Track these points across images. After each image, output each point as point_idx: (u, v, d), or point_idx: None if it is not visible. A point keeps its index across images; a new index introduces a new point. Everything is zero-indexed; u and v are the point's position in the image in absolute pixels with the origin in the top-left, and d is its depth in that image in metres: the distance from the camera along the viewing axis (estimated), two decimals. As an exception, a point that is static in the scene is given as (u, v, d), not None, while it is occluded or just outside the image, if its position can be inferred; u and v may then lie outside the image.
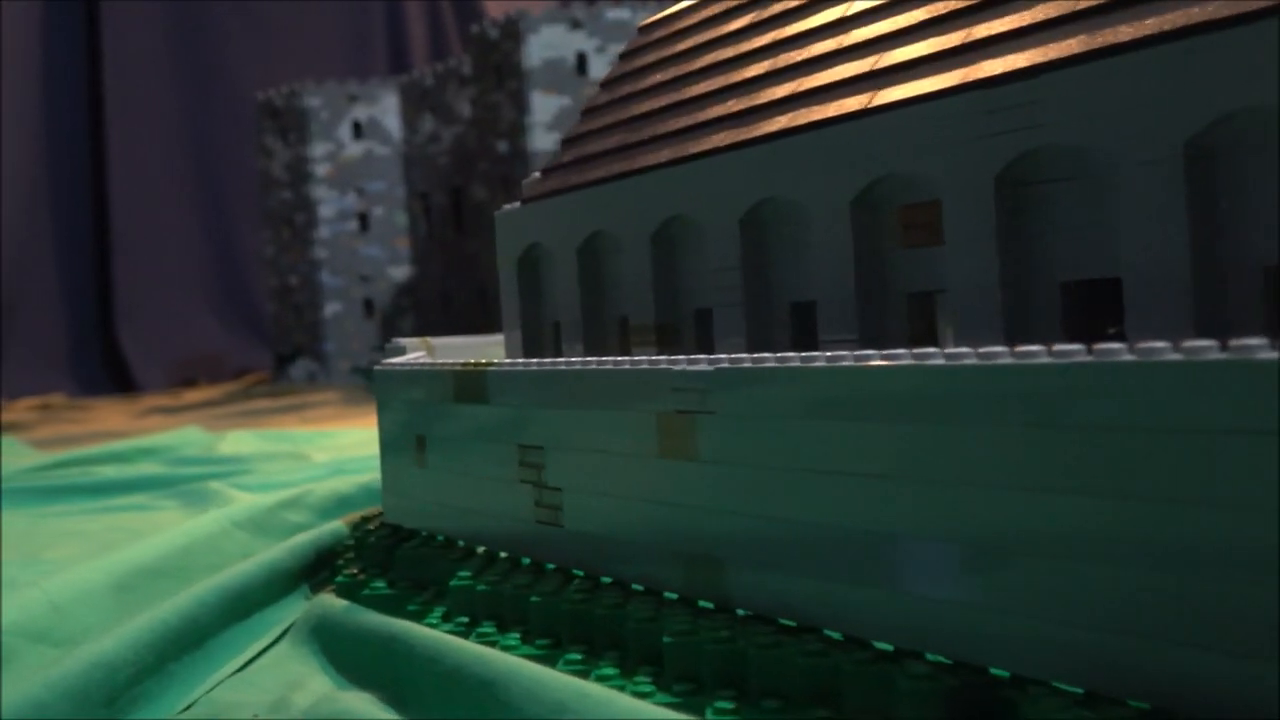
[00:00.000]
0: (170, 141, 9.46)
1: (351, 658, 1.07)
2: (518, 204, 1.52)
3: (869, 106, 0.99)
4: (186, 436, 3.81)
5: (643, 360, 0.99)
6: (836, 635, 0.84)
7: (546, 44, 5.65)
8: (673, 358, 0.95)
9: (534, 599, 1.02)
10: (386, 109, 7.14)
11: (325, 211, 7.15)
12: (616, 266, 1.35)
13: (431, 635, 0.98)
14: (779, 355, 0.85)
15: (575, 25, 5.64)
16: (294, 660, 1.15)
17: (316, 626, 1.18)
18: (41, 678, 0.87)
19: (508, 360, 1.17)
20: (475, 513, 1.23)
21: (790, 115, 1.09)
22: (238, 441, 3.49)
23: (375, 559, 1.35)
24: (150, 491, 2.60)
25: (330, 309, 7.16)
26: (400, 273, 7.16)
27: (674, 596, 1.00)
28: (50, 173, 8.96)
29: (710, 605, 0.95)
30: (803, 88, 1.11)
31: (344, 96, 7.13)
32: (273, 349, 7.60)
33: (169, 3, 9.60)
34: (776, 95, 1.13)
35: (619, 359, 1.01)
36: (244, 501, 1.76)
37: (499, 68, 5.85)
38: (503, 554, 1.23)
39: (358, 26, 10.38)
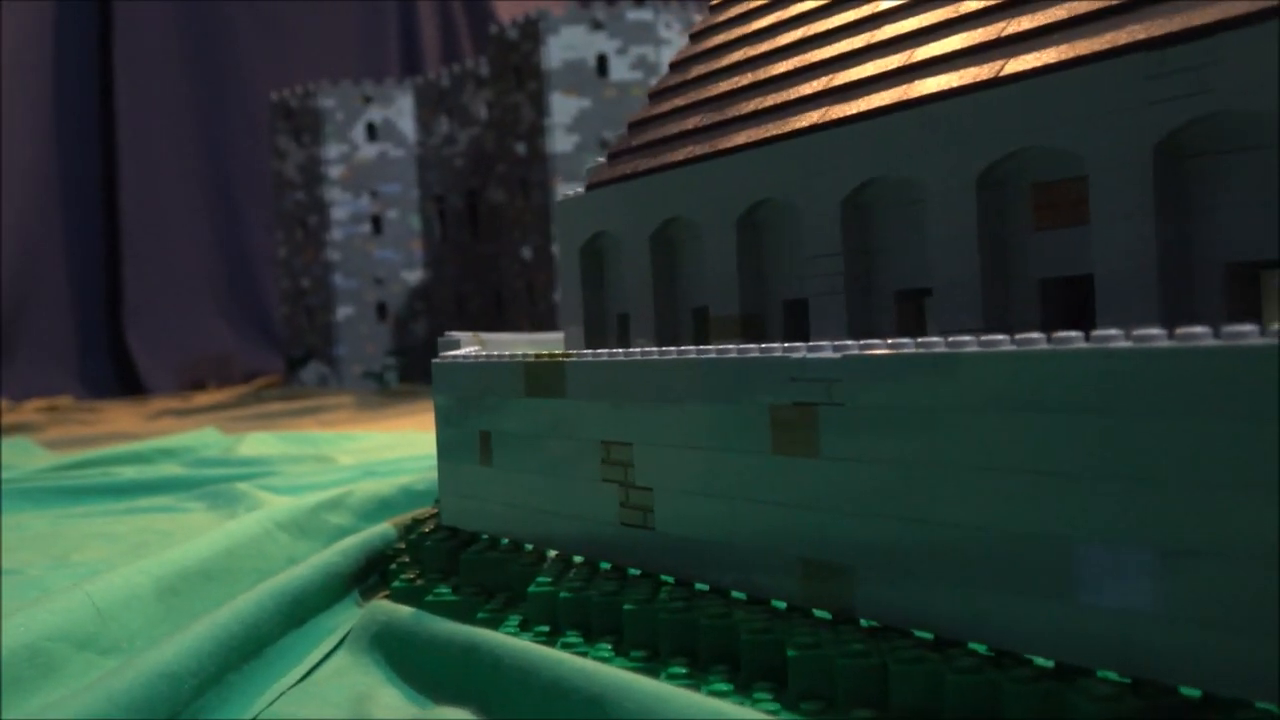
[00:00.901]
0: (181, 142, 9.40)
1: (426, 668, 0.99)
2: (580, 190, 1.44)
3: (999, 76, 0.91)
4: (204, 438, 3.73)
5: (751, 349, 0.91)
6: (980, 648, 0.76)
7: (567, 45, 5.58)
8: (788, 345, 0.87)
9: (627, 606, 0.94)
10: (401, 110, 7.06)
11: (339, 214, 7.08)
12: (694, 254, 1.27)
13: (520, 645, 0.90)
14: (921, 341, 0.77)
15: (596, 26, 5.57)
16: (357, 670, 1.07)
17: (380, 634, 1.10)
18: (104, 690, 0.80)
19: (587, 351, 1.09)
20: (548, 514, 1.15)
21: (902, 88, 1.01)
22: (258, 443, 3.42)
23: (435, 563, 1.27)
24: (174, 493, 2.52)
25: (343, 312, 7.08)
26: (414, 276, 7.08)
27: (781, 605, 0.92)
28: (61, 173, 8.89)
29: (826, 615, 0.87)
30: (914, 59, 1.03)
31: (359, 97, 7.06)
32: (284, 352, 7.53)
33: (181, 3, 9.54)
34: (884, 68, 1.06)
35: (723, 347, 0.93)
36: (283, 503, 1.68)
37: (518, 69, 5.78)
38: (577, 558, 1.15)
39: (370, 28, 10.33)
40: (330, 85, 7.10)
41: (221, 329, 9.35)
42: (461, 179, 6.81)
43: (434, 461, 2.65)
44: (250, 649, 1.01)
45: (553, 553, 1.19)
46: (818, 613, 0.88)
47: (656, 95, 1.44)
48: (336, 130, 7.03)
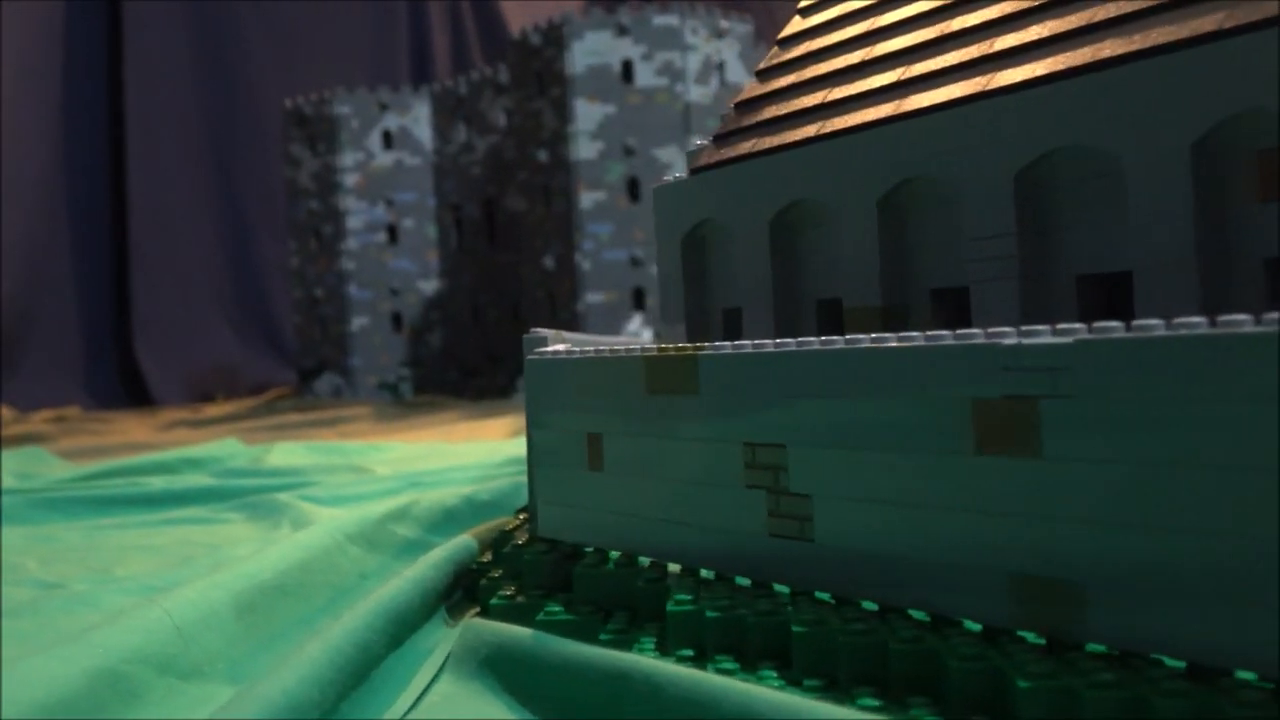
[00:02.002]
0: (190, 150, 9.30)
1: (560, 697, 0.88)
2: (679, 175, 1.33)
3: (1221, 29, 0.81)
4: (226, 448, 3.62)
5: (943, 335, 0.80)
6: (1249, 676, 0.65)
7: (591, 50, 5.48)
8: (992, 331, 0.76)
9: (797, 628, 0.83)
10: (418, 118, 6.96)
11: (353, 223, 6.97)
12: (823, 241, 1.16)
13: (688, 674, 0.79)
14: (1179, 322, 0.66)
15: (621, 32, 5.47)
16: (471, 696, 0.96)
17: (492, 657, 0.99)
18: (226, 725, 0.68)
19: (725, 344, 0.98)
20: (673, 524, 1.04)
21: (1091, 48, 0.90)
22: (286, 453, 3.31)
23: (537, 578, 1.16)
24: (208, 504, 2.41)
25: (357, 322, 6.98)
26: (430, 286, 6.98)
27: (975, 627, 0.81)
28: (69, 181, 8.79)
29: (1039, 639, 0.76)
30: (1097, 18, 0.92)
31: (374, 105, 6.96)
32: (295, 363, 7.42)
33: (191, 11, 9.45)
34: (1061, 27, 0.95)
35: (905, 335, 0.82)
36: (350, 515, 1.57)
37: (541, 75, 5.68)
38: (706, 573, 1.04)
39: (381, 37, 10.24)
40: (346, 92, 7.00)
41: (230, 340, 9.24)
42: (479, 187, 6.71)
43: (484, 471, 2.56)
44: (361, 673, 0.90)
45: (675, 567, 1.08)
46: (1029, 636, 0.77)
47: (764, 73, 1.33)
48: (352, 138, 6.93)
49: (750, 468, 0.95)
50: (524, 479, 2.05)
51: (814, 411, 0.88)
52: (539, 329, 1.38)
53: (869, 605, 0.89)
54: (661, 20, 5.47)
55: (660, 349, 1.05)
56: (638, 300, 5.42)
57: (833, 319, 1.17)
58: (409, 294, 6.95)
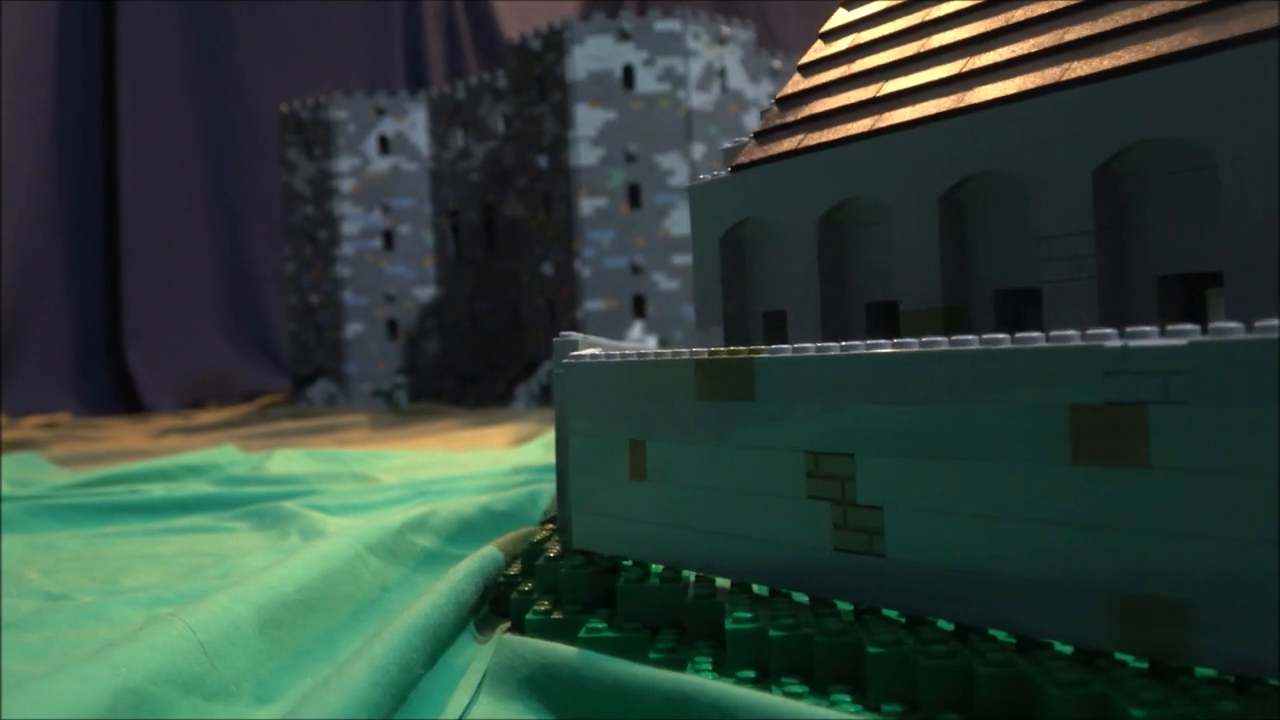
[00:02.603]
0: (184, 156, 9.23)
1: (616, 721, 0.83)
2: (716, 174, 1.28)
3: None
4: (224, 455, 3.56)
5: (1033, 337, 0.75)
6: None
7: (592, 56, 5.43)
8: (1092, 332, 0.71)
9: (873, 649, 0.78)
10: (415, 123, 6.91)
11: (349, 228, 6.91)
12: (875, 240, 1.11)
13: (762, 699, 0.73)
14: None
15: (623, 37, 5.43)
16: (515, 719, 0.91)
17: (535, 677, 0.93)
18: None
19: (784, 347, 0.93)
20: (724, 536, 0.99)
21: (1180, 35, 0.85)
22: (287, 461, 3.24)
23: (575, 592, 1.11)
24: (212, 512, 2.36)
25: (352, 329, 6.91)
26: (426, 293, 6.92)
27: (1066, 649, 0.76)
28: (61, 185, 8.72)
29: (1139, 663, 0.71)
30: (1183, 4, 0.87)
31: (371, 110, 6.91)
32: (289, 370, 7.35)
33: (185, 16, 9.39)
34: (1146, 14, 0.90)
35: (990, 337, 0.77)
36: (368, 525, 1.51)
37: (541, 80, 5.63)
38: (758, 588, 0.99)
39: (376, 43, 10.19)
40: (342, 97, 6.94)
41: (222, 347, 9.16)
42: (477, 193, 6.66)
43: (493, 480, 2.50)
44: (403, 694, 0.85)
45: (723, 582, 1.03)
46: (1129, 659, 0.72)
47: (807, 68, 1.28)
48: (348, 143, 6.87)
49: (813, 478, 0.90)
50: (538, 488, 2.00)
51: (887, 418, 0.83)
52: (569, 332, 1.33)
53: (943, 624, 0.84)
54: (663, 26, 5.43)
55: (711, 352, 1.00)
56: (638, 308, 5.37)
57: (885, 322, 1.12)
58: (405, 301, 6.89)
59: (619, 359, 1.11)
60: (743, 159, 1.24)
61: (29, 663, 1.17)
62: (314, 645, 1.11)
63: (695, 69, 5.38)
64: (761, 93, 6.00)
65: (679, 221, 5.32)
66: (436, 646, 0.99)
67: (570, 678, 0.89)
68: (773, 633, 0.85)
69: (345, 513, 2.22)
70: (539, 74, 5.61)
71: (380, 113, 6.88)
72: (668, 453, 1.04)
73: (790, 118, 1.22)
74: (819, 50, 1.28)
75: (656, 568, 1.10)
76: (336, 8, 9.90)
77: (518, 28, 10.82)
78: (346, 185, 6.83)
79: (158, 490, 2.65)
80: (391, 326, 6.94)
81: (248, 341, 9.28)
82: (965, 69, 1.04)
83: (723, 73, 5.55)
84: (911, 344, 0.82)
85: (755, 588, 1.00)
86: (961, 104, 1.00)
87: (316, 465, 3.24)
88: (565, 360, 1.18)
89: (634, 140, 5.36)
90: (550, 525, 1.40)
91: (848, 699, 0.77)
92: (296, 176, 7.06)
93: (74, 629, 1.33)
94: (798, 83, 1.27)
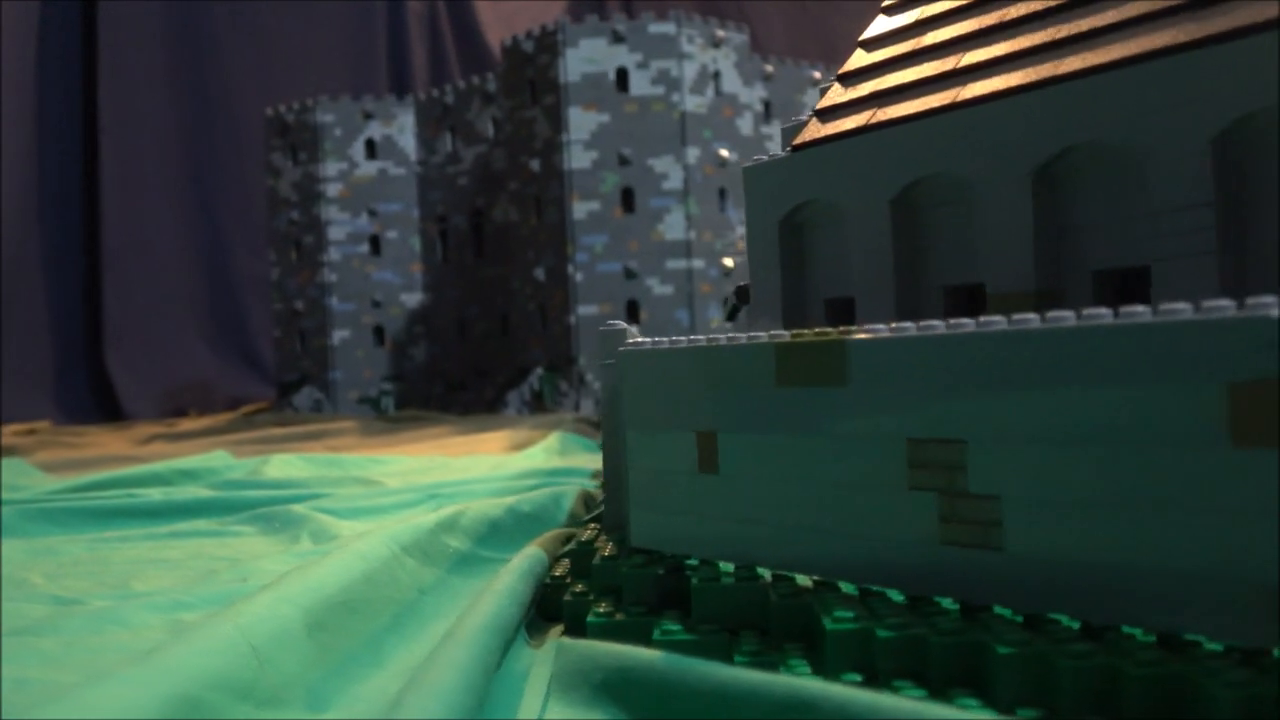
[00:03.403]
0: (166, 162, 9.12)
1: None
2: (774, 154, 1.22)
3: None
4: (216, 460, 3.48)
5: (1178, 309, 0.69)
6: None
7: (586, 58, 5.37)
8: (1253, 301, 0.65)
9: (1003, 650, 0.72)
10: (403, 127, 6.83)
11: (336, 233, 6.82)
12: (955, 220, 1.05)
13: (891, 702, 0.67)
14: None
15: (617, 39, 5.37)
16: (594, 729, 0.84)
17: (610, 681, 0.87)
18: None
19: (879, 326, 0.87)
20: (810, 531, 0.93)
21: (1314, -9, 0.80)
22: (285, 466, 3.17)
23: (638, 593, 1.04)
24: (214, 516, 2.29)
25: (338, 335, 6.82)
26: (414, 299, 6.83)
27: (1215, 647, 0.70)
28: (41, 191, 8.60)
29: (1307, 663, 0.65)
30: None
31: (358, 113, 6.82)
32: (274, 377, 7.25)
33: (168, 21, 9.28)
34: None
35: (1127, 310, 0.71)
36: (401, 525, 1.45)
37: (533, 82, 5.57)
38: (846, 586, 0.93)
39: (359, 51, 10.10)
40: (329, 101, 6.86)
41: (204, 354, 9.04)
42: (466, 198, 6.58)
43: (503, 484, 2.43)
44: (482, 698, 0.78)
45: (807, 579, 0.97)
46: (1293, 660, 0.66)
47: (870, 43, 1.22)
48: (335, 147, 6.78)
49: (915, 467, 0.84)
50: (561, 490, 1.93)
51: (1006, 402, 0.77)
52: (615, 321, 1.27)
53: (1067, 622, 0.78)
54: (657, 28, 5.37)
55: (795, 335, 0.94)
56: (631, 313, 5.30)
57: (967, 307, 1.06)
58: (392, 307, 6.80)
59: (686, 345, 1.05)
60: (805, 138, 1.18)
61: (52, 670, 1.10)
62: (360, 650, 1.04)
63: (690, 72, 5.33)
64: (755, 97, 5.95)
65: (673, 226, 5.26)
66: (504, 648, 0.93)
67: (657, 682, 0.82)
68: (880, 633, 0.79)
69: (355, 516, 2.15)
70: (531, 76, 5.55)
71: (367, 116, 6.80)
72: (743, 444, 0.98)
73: (855, 94, 1.16)
74: (883, 25, 1.23)
75: (726, 566, 1.03)
76: (320, 13, 9.81)
77: (500, 33, 10.79)
78: (333, 190, 6.75)
79: (155, 495, 2.58)
80: (378, 333, 6.85)
81: (229, 349, 9.17)
82: (1058, 36, 0.98)
83: (717, 76, 5.50)
84: (1031, 320, 0.76)
85: (842, 586, 0.94)
86: (1057, 72, 0.94)
87: (315, 470, 3.17)
88: (622, 349, 1.11)
89: (628, 144, 5.30)
90: (593, 525, 1.34)
91: (975, 703, 0.71)
92: (282, 181, 6.97)
93: (92, 635, 1.26)
94: (860, 58, 1.21)
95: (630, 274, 5.29)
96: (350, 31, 10.15)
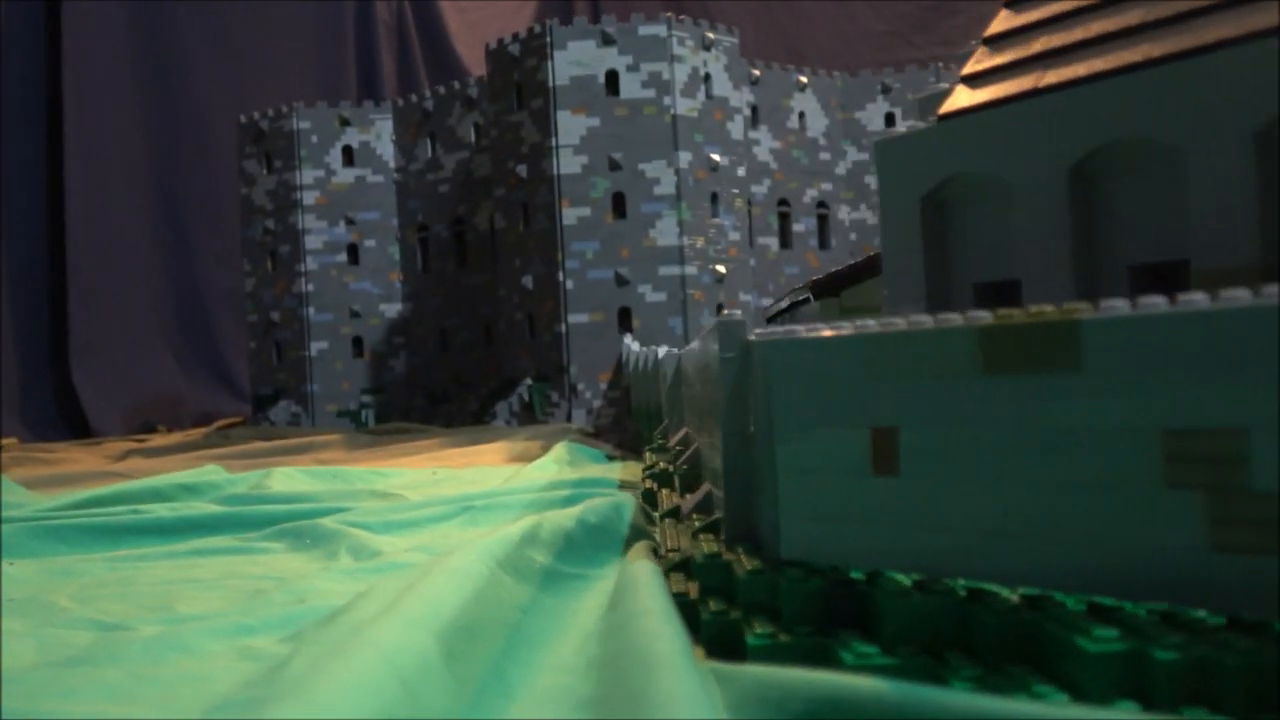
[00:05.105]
0: (132, 171, 8.92)
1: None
2: (915, 124, 1.11)
3: None
4: (214, 475, 3.33)
5: None
6: None
7: (574, 61, 5.26)
8: None
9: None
10: (380, 133, 6.69)
11: (312, 242, 6.67)
12: (1143, 190, 0.94)
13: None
14: None
15: (606, 41, 5.26)
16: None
17: (816, 714, 0.75)
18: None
19: (1117, 302, 0.76)
20: (1027, 538, 0.81)
21: None
22: (288, 479, 3.03)
23: (801, 611, 0.93)
24: (234, 533, 2.16)
25: (316, 347, 6.66)
26: (393, 309, 6.69)
27: None
28: (2, 201, 8.38)
29: None
30: None
31: (335, 120, 6.68)
32: (251, 389, 7.07)
33: (133, 31, 9.09)
34: None
35: None
36: (494, 538, 1.33)
37: (520, 86, 5.45)
38: (1063, 598, 0.81)
39: (328, 56, 9.95)
40: (305, 107, 6.71)
41: (172, 369, 8.84)
42: (447, 206, 6.45)
43: (536, 495, 2.30)
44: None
45: (1012, 592, 0.86)
46: None
47: (1016, 3, 1.11)
48: (311, 154, 6.63)
49: (1175, 461, 0.73)
50: (617, 500, 1.81)
51: (1308, 383, 0.66)
52: (730, 311, 1.15)
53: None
54: (647, 30, 5.27)
55: (1000, 315, 0.83)
56: (623, 320, 5.19)
57: (1159, 288, 0.95)
58: (371, 317, 6.66)
59: (852, 333, 0.93)
60: (954, 106, 1.07)
61: (126, 705, 0.97)
62: (488, 679, 0.92)
63: (680, 75, 5.23)
64: (744, 100, 5.86)
65: (665, 231, 5.15)
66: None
67: (889, 713, 0.71)
68: (1159, 654, 0.68)
69: (390, 531, 2.03)
70: (518, 80, 5.43)
71: (344, 123, 6.65)
72: (933, 441, 0.87)
73: (1013, 56, 1.05)
74: (1029, -16, 1.12)
75: (901, 578, 0.92)
76: (288, 20, 9.64)
77: (467, 41, 10.66)
78: (309, 198, 6.60)
79: (161, 510, 2.44)
80: (357, 344, 6.70)
81: (198, 363, 8.97)
82: (1281, -19, 0.87)
83: (708, 78, 5.41)
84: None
85: (1059, 598, 0.83)
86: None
87: (320, 483, 3.03)
88: (771, 340, 1.00)
89: (618, 148, 5.19)
90: (708, 535, 1.22)
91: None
92: (256, 189, 6.81)
93: (154, 664, 1.13)
94: (1010, 19, 1.10)
95: (622, 281, 5.18)
96: (318, 39, 10.00)
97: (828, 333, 0.95)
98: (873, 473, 0.91)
